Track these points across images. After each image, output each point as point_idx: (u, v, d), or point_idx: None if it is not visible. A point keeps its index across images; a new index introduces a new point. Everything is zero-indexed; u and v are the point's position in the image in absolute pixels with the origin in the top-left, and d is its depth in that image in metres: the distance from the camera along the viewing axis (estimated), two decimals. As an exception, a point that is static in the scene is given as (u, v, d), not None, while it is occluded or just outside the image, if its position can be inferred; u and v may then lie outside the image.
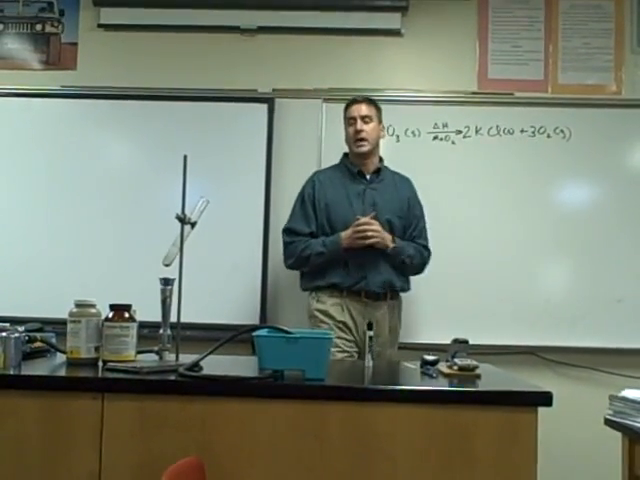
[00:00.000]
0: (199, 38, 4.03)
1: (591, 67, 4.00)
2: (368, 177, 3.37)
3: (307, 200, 3.34)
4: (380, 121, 3.40)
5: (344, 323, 3.18)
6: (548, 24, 4.03)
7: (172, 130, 3.91)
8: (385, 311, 3.23)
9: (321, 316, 3.20)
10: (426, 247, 3.39)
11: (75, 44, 4.12)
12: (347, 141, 3.38)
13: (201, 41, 4.02)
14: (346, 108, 3.39)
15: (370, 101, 3.39)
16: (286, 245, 3.31)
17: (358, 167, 3.37)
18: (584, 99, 3.92)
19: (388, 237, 3.20)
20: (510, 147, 3.90)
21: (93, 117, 3.99)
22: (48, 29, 4.13)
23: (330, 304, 3.20)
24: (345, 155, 3.44)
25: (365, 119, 3.33)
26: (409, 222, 3.37)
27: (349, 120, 3.36)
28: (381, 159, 3.45)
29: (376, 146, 3.38)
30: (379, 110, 3.40)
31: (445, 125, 3.94)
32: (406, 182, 3.47)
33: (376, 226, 3.16)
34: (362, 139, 3.31)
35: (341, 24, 4.00)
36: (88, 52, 4.09)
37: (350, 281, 3.19)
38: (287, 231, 3.33)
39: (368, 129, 3.33)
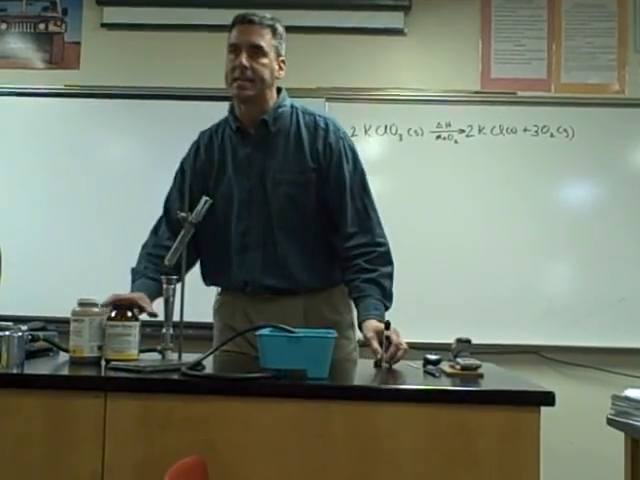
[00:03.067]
0: (202, 37, 4.03)
1: (594, 66, 4.00)
2: (252, 132, 2.37)
3: (177, 179, 2.51)
4: (279, 53, 2.39)
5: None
6: (551, 23, 4.03)
7: (175, 129, 3.91)
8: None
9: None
10: (378, 243, 2.35)
11: (78, 43, 4.13)
12: (225, 77, 2.37)
13: (204, 40, 4.02)
14: (230, 28, 2.37)
15: (264, 24, 2.33)
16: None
17: (237, 122, 2.38)
18: (587, 98, 3.93)
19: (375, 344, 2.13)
20: (513, 146, 3.90)
21: (96, 116, 3.99)
22: (51, 28, 4.14)
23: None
24: (230, 105, 2.45)
25: (255, 50, 2.30)
26: (327, 189, 2.34)
27: (230, 47, 2.34)
28: (280, 98, 2.42)
29: (267, 88, 2.36)
30: (277, 35, 2.37)
31: (448, 124, 3.94)
32: (316, 125, 2.38)
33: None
34: (245, 79, 2.29)
35: (344, 23, 4.01)
36: (91, 51, 4.10)
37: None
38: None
39: (258, 66, 2.30)
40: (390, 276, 2.33)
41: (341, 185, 2.34)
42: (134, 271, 2.42)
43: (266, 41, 2.32)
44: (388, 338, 2.07)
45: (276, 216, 2.33)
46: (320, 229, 2.38)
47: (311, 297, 2.35)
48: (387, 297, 2.31)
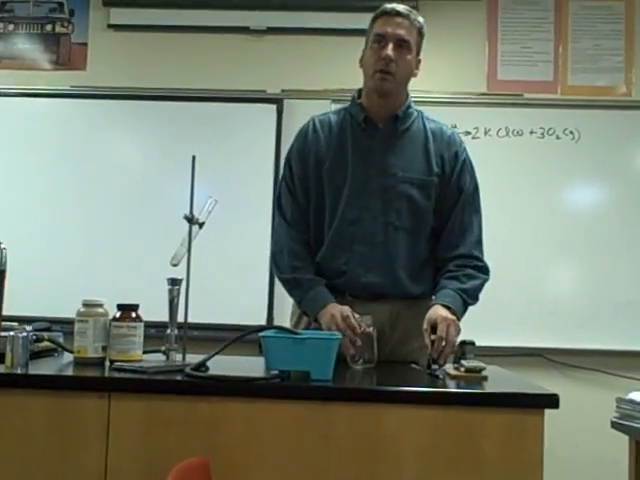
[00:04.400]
0: (208, 39, 4.04)
1: (601, 68, 3.99)
2: (380, 127, 2.35)
3: (294, 169, 2.38)
4: (419, 51, 2.34)
5: None
6: (558, 25, 4.03)
7: (181, 130, 3.92)
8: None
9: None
10: (476, 257, 2.34)
11: (85, 44, 4.14)
12: (364, 67, 2.34)
13: (210, 42, 4.04)
14: (376, 18, 2.31)
15: (413, 20, 2.28)
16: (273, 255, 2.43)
17: (366, 113, 2.34)
18: (594, 100, 3.92)
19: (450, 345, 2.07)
20: (519, 148, 3.90)
21: (102, 117, 4.00)
22: (58, 29, 4.15)
23: None
24: (357, 94, 2.41)
25: (401, 44, 2.25)
26: (442, 196, 2.33)
27: (375, 37, 2.27)
28: (407, 99, 2.40)
29: (403, 85, 2.35)
30: (421, 34, 2.32)
31: (454, 126, 3.93)
32: (443, 134, 2.38)
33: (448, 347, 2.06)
34: (388, 72, 2.25)
35: (351, 25, 4.00)
36: (98, 52, 4.11)
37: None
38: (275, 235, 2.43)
39: (401, 62, 2.26)
40: (477, 279, 2.31)
41: (458, 193, 2.35)
42: (310, 282, 2.29)
43: (413, 37, 2.28)
44: (433, 343, 2.02)
45: (392, 213, 2.29)
46: (430, 235, 2.35)
47: (400, 304, 2.29)
48: (467, 293, 2.26)
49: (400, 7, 2.28)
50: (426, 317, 2.13)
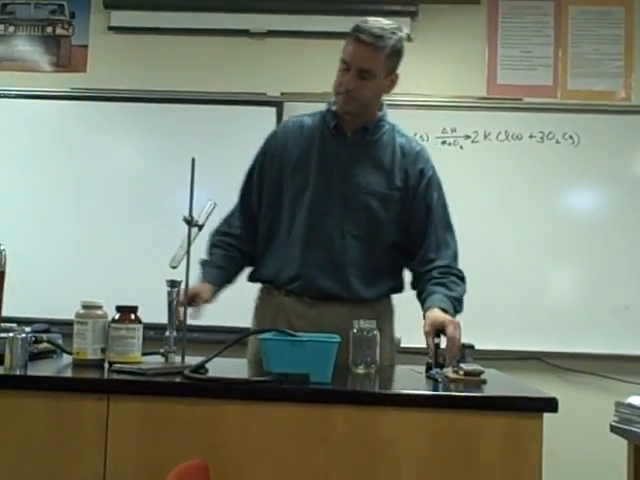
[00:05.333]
0: (208, 41, 4.04)
1: (601, 73, 4.00)
2: (349, 136, 2.36)
3: (255, 169, 2.43)
4: (390, 71, 2.33)
5: None
6: (558, 30, 4.04)
7: (180, 133, 3.93)
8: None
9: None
10: (455, 269, 2.37)
11: (85, 46, 4.14)
12: (333, 84, 2.35)
13: (210, 44, 4.04)
14: (350, 34, 2.29)
15: (379, 47, 2.25)
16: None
17: (338, 121, 2.35)
18: (593, 105, 3.92)
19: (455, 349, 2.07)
20: (519, 152, 3.90)
21: (103, 119, 4.01)
22: (59, 31, 4.16)
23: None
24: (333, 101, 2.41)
25: (363, 74, 2.26)
26: (406, 209, 2.35)
27: (341, 62, 2.30)
28: (382, 111, 2.42)
29: (370, 104, 2.35)
30: (393, 54, 2.30)
31: (454, 130, 3.94)
32: (411, 149, 2.39)
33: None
34: (348, 98, 2.28)
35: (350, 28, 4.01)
36: (98, 54, 4.11)
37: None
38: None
39: (362, 88, 2.27)
40: (461, 287, 2.34)
41: (426, 210, 2.36)
42: (203, 262, 2.40)
43: (378, 64, 2.27)
44: (438, 346, 2.04)
45: (350, 222, 2.32)
46: (388, 247, 2.37)
47: (356, 306, 2.30)
48: (458, 300, 2.29)
49: (369, 34, 2.24)
50: (427, 319, 2.14)
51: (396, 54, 2.31)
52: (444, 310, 2.17)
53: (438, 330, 2.08)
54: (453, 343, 2.04)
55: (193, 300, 2.17)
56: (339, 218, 2.32)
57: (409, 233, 2.37)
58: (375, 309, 2.34)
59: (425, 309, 2.23)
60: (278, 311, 2.38)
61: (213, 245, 2.45)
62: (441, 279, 2.31)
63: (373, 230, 2.34)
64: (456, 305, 2.27)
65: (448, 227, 2.40)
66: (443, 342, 2.10)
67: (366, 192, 2.32)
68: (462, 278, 2.37)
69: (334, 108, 2.37)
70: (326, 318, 2.24)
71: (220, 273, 2.38)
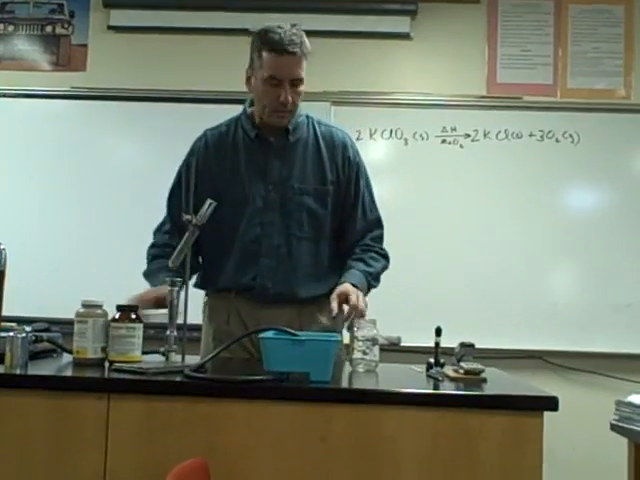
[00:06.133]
0: (208, 40, 4.04)
1: (600, 72, 4.00)
2: (272, 141, 2.36)
3: (183, 182, 2.29)
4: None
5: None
6: (557, 28, 4.03)
7: (180, 132, 3.90)
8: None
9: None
10: (380, 247, 2.44)
11: (85, 46, 4.14)
12: (256, 96, 2.33)
13: (210, 43, 4.04)
14: (264, 48, 2.24)
15: (304, 53, 2.26)
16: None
17: (257, 129, 2.36)
18: (593, 104, 3.92)
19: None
20: (518, 151, 3.90)
21: (102, 118, 4.01)
22: (58, 31, 4.15)
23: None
24: (249, 103, 2.41)
25: (295, 82, 2.26)
26: (340, 200, 2.39)
27: (271, 79, 2.24)
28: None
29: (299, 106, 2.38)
30: (308, 56, 2.30)
31: (453, 129, 3.94)
32: (334, 138, 2.41)
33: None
34: (286, 111, 2.29)
35: (350, 27, 4.01)
36: (98, 54, 4.11)
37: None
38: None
39: (296, 96, 2.29)
40: (380, 263, 2.40)
41: (356, 197, 2.41)
42: (148, 273, 2.40)
43: (304, 68, 2.28)
44: (438, 345, 2.09)
45: (293, 225, 2.35)
46: (331, 239, 2.42)
47: (307, 304, 2.36)
48: (372, 275, 2.35)
49: (290, 42, 2.22)
50: (335, 290, 2.22)
51: (309, 53, 2.30)
52: (354, 286, 2.23)
53: (343, 300, 2.16)
54: (354, 309, 2.12)
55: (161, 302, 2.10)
56: (281, 224, 2.34)
57: (342, 219, 2.42)
58: (322, 305, 2.34)
59: (339, 282, 2.28)
60: (231, 310, 2.38)
61: (155, 256, 2.43)
62: (361, 255, 2.38)
63: (315, 227, 2.38)
64: (370, 280, 2.34)
65: (373, 210, 2.45)
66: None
67: (301, 192, 2.35)
68: (384, 255, 2.43)
69: (250, 110, 2.37)
70: (277, 318, 2.23)
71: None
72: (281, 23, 2.29)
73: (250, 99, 2.40)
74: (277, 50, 2.22)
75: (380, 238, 2.46)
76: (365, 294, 2.29)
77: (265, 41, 2.25)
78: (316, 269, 2.38)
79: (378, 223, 2.47)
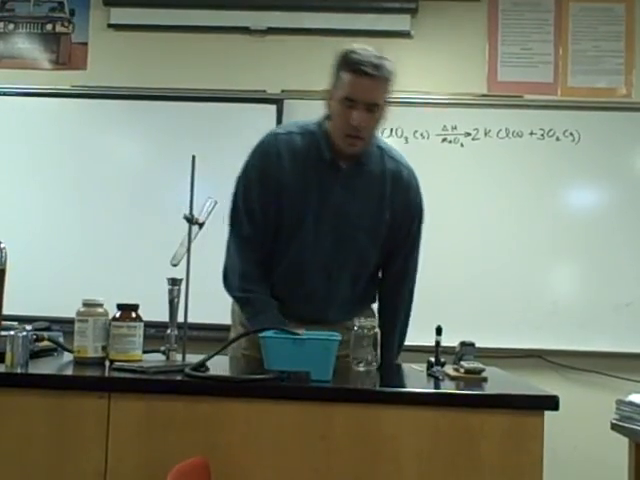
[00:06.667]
0: (208, 39, 4.04)
1: (601, 70, 3.99)
2: (343, 167, 2.30)
3: (254, 190, 2.32)
4: (388, 96, 2.24)
5: None
6: (558, 26, 4.03)
7: (181, 130, 3.92)
8: None
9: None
10: (409, 299, 2.45)
11: (85, 44, 4.14)
12: (332, 117, 2.27)
13: (210, 42, 4.04)
14: (344, 67, 2.20)
15: (383, 77, 2.18)
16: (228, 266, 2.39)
17: (332, 152, 2.28)
18: (594, 102, 3.92)
19: None
20: (519, 150, 3.89)
21: (103, 117, 4.00)
22: (58, 29, 4.15)
23: None
24: (327, 118, 2.32)
25: (371, 108, 2.19)
26: (390, 239, 2.36)
27: (344, 99, 2.18)
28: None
29: (375, 134, 2.34)
30: (391, 83, 2.22)
31: (454, 127, 3.94)
32: (400, 177, 2.35)
33: None
34: (357, 137, 2.22)
35: (350, 25, 4.00)
36: (98, 52, 4.11)
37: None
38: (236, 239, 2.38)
39: (372, 122, 2.22)
40: (407, 327, 2.44)
41: (405, 241, 2.37)
42: (251, 300, 2.33)
43: (383, 94, 2.21)
44: (438, 344, 2.11)
45: (339, 257, 2.32)
46: (371, 273, 2.41)
47: (335, 325, 2.26)
48: (401, 347, 2.42)
49: (371, 64, 2.16)
50: None
51: (393, 78, 2.22)
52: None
53: None
54: None
55: None
56: (329, 253, 2.31)
57: (386, 255, 2.39)
58: (350, 325, 2.25)
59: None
60: None
61: (256, 299, 2.34)
62: (395, 322, 2.40)
63: (360, 261, 2.35)
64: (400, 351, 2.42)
65: (415, 255, 2.42)
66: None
67: (356, 227, 2.31)
68: (408, 315, 2.44)
69: (326, 126, 2.30)
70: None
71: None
72: (367, 46, 2.23)
73: (327, 115, 2.32)
74: (355, 70, 2.16)
75: (412, 290, 2.43)
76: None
77: (346, 61, 2.20)
78: (352, 297, 2.36)
79: (414, 270, 2.43)
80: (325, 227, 2.30)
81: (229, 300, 2.46)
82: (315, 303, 2.31)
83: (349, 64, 2.18)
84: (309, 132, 2.33)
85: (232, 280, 2.35)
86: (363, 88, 2.17)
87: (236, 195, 2.39)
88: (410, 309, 2.43)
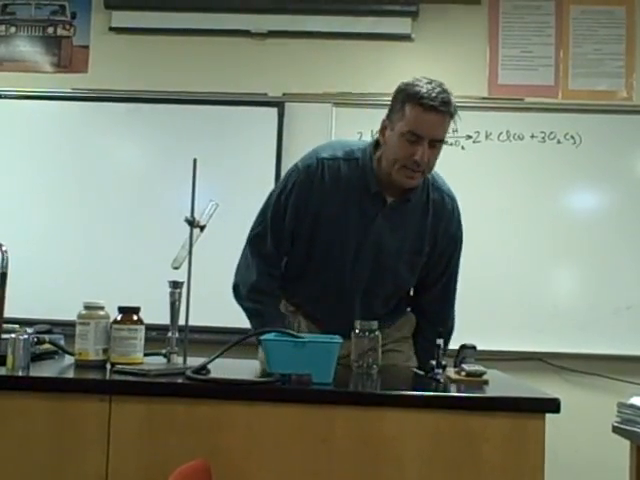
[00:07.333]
0: (210, 42, 4.04)
1: (602, 73, 4.00)
2: (389, 201, 2.27)
3: (289, 210, 2.29)
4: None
5: None
6: (559, 29, 4.03)
7: (182, 133, 3.93)
8: None
9: None
10: (450, 323, 2.44)
11: (87, 47, 4.14)
12: (387, 148, 2.20)
13: (212, 45, 4.04)
14: (409, 100, 2.12)
15: (450, 113, 2.15)
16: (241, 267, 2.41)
17: (379, 187, 2.24)
18: (595, 105, 3.92)
19: None
20: (520, 153, 3.90)
21: (104, 120, 4.01)
22: (60, 32, 4.16)
23: None
24: (374, 147, 2.27)
25: (435, 143, 2.16)
26: (429, 267, 2.35)
27: (410, 134, 2.13)
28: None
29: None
30: (454, 117, 2.19)
31: (455, 130, 3.91)
32: (443, 208, 2.32)
33: None
34: (418, 171, 2.17)
35: (352, 29, 4.01)
36: (99, 55, 4.11)
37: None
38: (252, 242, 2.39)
39: (432, 158, 2.19)
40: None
41: (448, 271, 2.38)
42: (260, 312, 2.33)
43: (447, 130, 2.19)
44: (439, 347, 2.06)
45: (376, 285, 2.32)
46: (406, 295, 2.44)
47: None
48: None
49: (438, 99, 2.10)
50: None
51: (455, 114, 2.18)
52: None
53: None
54: None
55: None
56: (366, 281, 2.30)
57: (425, 278, 2.40)
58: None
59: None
60: (291, 319, 2.38)
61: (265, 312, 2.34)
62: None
63: (396, 289, 2.38)
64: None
65: (453, 286, 2.43)
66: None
67: (396, 258, 2.29)
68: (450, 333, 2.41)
69: (376, 157, 2.25)
70: None
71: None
72: (430, 79, 2.17)
73: (375, 143, 2.27)
74: (424, 105, 2.10)
75: (451, 331, 2.41)
76: None
77: (412, 94, 2.12)
78: (383, 313, 2.34)
79: (452, 305, 2.43)
80: (363, 257, 2.28)
81: (230, 303, 2.46)
82: (345, 319, 2.20)
83: (417, 98, 2.12)
84: (355, 159, 2.27)
85: (242, 291, 2.36)
86: (430, 124, 2.13)
87: (265, 210, 2.37)
88: (451, 329, 2.41)
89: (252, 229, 2.39)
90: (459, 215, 2.37)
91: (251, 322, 2.36)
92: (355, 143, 2.35)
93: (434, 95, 2.10)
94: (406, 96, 2.14)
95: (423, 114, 2.11)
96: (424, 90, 2.11)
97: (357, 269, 2.30)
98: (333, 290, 2.32)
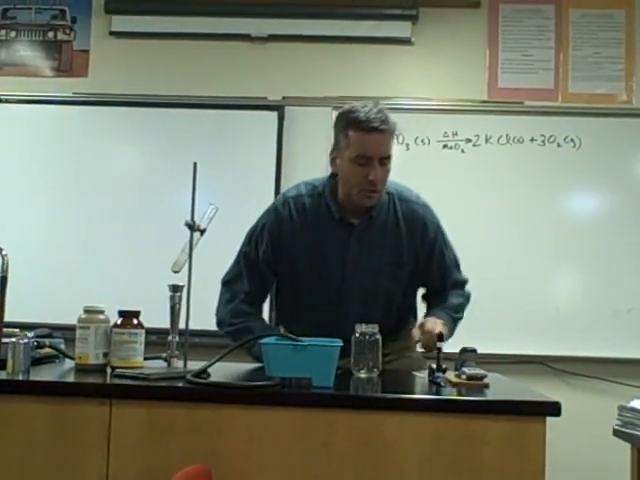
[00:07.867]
0: (210, 46, 4.05)
1: (601, 76, 4.00)
2: (355, 223, 2.35)
3: (261, 248, 2.39)
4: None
5: None
6: (558, 33, 4.04)
7: (182, 137, 3.93)
8: None
9: None
10: (459, 291, 2.51)
11: (87, 51, 4.15)
12: (342, 175, 2.31)
13: (212, 49, 4.05)
14: (350, 127, 2.23)
15: (391, 129, 2.25)
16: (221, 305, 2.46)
17: (342, 211, 2.34)
18: (594, 108, 3.92)
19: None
20: (520, 156, 3.90)
21: (104, 124, 4.01)
22: (60, 36, 4.16)
23: None
24: (330, 177, 2.39)
25: (384, 160, 2.25)
26: (419, 272, 2.42)
27: (359, 158, 2.23)
28: None
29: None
30: (395, 132, 2.30)
31: (455, 134, 3.94)
32: (415, 218, 2.39)
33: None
34: (374, 191, 2.27)
35: (351, 32, 4.02)
36: (100, 59, 4.12)
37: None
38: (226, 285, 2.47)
39: (385, 174, 2.27)
40: (458, 299, 2.48)
41: (443, 270, 2.45)
42: (249, 327, 2.35)
43: (391, 146, 2.27)
44: (440, 350, 2.05)
45: (367, 306, 2.36)
46: (404, 304, 2.47)
47: None
48: (453, 309, 2.42)
49: (377, 119, 2.20)
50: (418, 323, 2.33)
51: (396, 128, 2.28)
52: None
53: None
54: (428, 335, 2.15)
55: None
56: (357, 306, 2.35)
57: (423, 286, 2.51)
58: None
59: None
60: None
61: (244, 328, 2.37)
62: (438, 299, 2.47)
63: (388, 298, 2.41)
64: (451, 313, 2.40)
65: (447, 250, 2.48)
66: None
67: (377, 274, 2.36)
68: (461, 294, 2.50)
69: (338, 199, 2.35)
70: None
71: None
72: (364, 102, 2.27)
73: (332, 175, 2.37)
74: (365, 128, 2.20)
75: (460, 284, 2.50)
76: (451, 327, 2.34)
77: (351, 120, 2.23)
78: (387, 322, 2.29)
79: (455, 285, 2.49)
80: (348, 280, 2.35)
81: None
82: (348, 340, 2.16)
83: (357, 122, 2.21)
84: (317, 193, 2.39)
85: (225, 319, 2.42)
86: (375, 144, 2.22)
87: (239, 255, 2.46)
88: (457, 299, 2.49)
89: (227, 274, 2.47)
90: (433, 216, 2.45)
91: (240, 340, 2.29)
92: (318, 179, 2.44)
93: (372, 117, 2.20)
94: (347, 124, 2.25)
95: (366, 136, 2.21)
96: (362, 115, 2.21)
97: (346, 296, 2.36)
98: (329, 318, 2.33)
